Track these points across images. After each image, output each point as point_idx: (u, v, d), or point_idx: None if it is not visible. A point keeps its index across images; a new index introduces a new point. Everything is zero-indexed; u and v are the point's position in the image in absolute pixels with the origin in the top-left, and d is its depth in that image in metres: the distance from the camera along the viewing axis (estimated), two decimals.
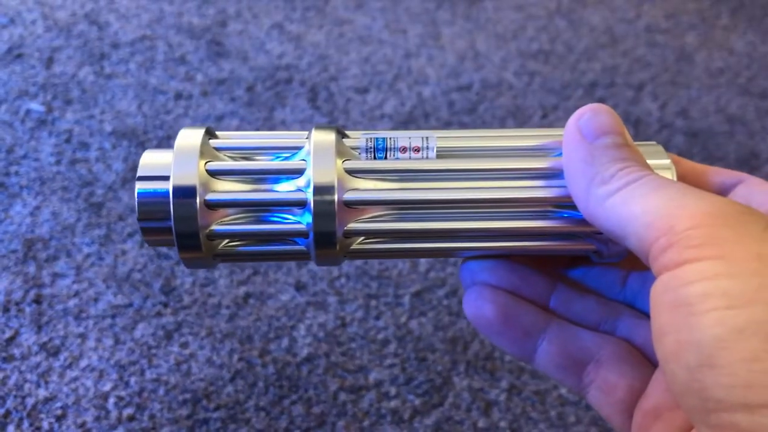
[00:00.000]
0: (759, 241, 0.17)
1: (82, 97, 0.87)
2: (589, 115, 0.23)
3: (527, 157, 0.27)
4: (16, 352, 0.65)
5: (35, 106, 0.85)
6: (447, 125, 0.92)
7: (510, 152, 0.27)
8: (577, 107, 0.96)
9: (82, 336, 0.67)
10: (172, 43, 0.96)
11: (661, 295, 0.18)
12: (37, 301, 0.69)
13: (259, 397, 0.64)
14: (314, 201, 0.26)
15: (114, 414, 0.62)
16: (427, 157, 0.27)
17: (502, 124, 0.92)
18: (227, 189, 0.27)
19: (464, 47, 1.04)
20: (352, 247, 0.27)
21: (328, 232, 0.26)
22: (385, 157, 0.27)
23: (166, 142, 0.84)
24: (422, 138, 0.27)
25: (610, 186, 0.21)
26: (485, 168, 0.26)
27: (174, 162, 0.27)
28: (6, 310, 0.68)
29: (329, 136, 0.27)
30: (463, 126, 0.92)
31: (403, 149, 0.27)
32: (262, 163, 0.28)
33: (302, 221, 0.27)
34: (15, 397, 0.63)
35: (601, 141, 0.23)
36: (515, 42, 1.06)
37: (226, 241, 0.28)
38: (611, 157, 0.22)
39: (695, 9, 1.16)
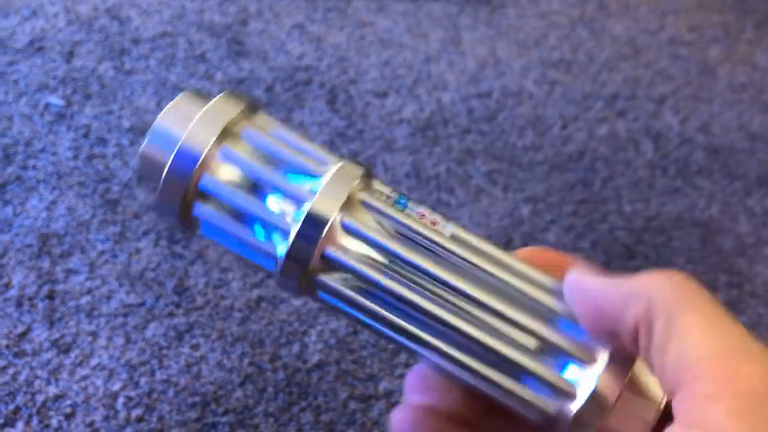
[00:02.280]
0: None
1: (102, 92, 0.87)
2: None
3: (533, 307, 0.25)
4: (28, 347, 0.65)
5: (55, 99, 0.85)
6: (465, 132, 0.91)
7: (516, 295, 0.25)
8: (597, 119, 0.95)
9: (94, 334, 0.67)
10: (192, 40, 0.96)
11: None
12: (50, 296, 0.69)
13: (268, 402, 0.64)
14: (292, 242, 0.25)
15: (123, 414, 0.62)
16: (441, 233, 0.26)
17: (521, 135, 0.92)
18: (225, 179, 0.25)
19: (485, 54, 1.03)
20: (320, 283, 0.26)
21: (295, 274, 0.25)
22: (403, 210, 0.26)
23: None
24: (442, 216, 0.26)
25: None
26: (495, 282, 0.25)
27: (192, 123, 0.25)
28: (19, 304, 0.68)
29: (350, 177, 0.25)
30: (482, 134, 0.91)
31: (422, 215, 0.26)
32: (271, 174, 0.26)
33: (276, 246, 0.25)
34: (25, 393, 0.63)
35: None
36: (537, 50, 1.05)
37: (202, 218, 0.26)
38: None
39: (720, 22, 1.15)
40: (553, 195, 0.86)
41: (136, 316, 0.69)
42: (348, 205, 0.25)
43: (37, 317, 0.67)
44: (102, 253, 0.73)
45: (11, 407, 0.62)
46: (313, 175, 0.26)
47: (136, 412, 0.62)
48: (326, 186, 0.25)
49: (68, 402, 0.63)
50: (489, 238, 0.83)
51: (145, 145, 0.26)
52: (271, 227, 0.25)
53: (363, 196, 0.26)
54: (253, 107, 0.27)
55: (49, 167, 0.79)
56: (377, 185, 0.27)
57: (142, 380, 0.65)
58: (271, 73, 0.94)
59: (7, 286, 0.69)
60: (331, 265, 0.25)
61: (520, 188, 0.86)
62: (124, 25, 0.96)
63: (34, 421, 0.61)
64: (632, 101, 0.99)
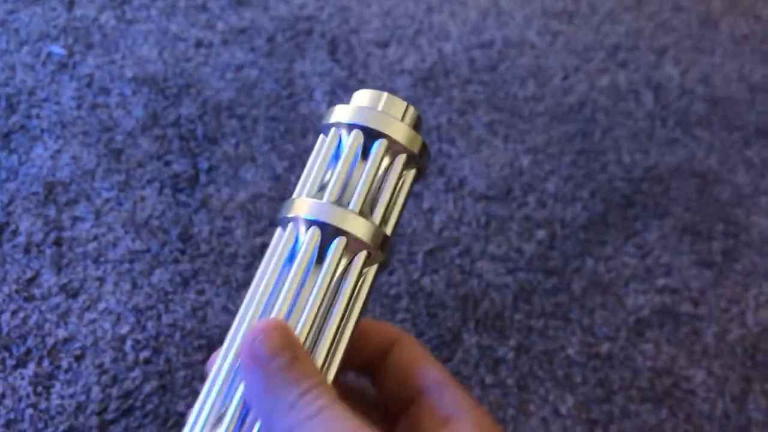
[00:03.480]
0: None
1: (104, 41, 0.87)
2: (259, 336, 0.23)
3: None
4: (37, 292, 0.67)
5: (57, 48, 0.85)
6: (467, 83, 0.91)
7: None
8: (598, 70, 0.95)
9: (101, 279, 0.68)
10: None
11: None
12: (58, 243, 0.70)
13: None
14: None
15: (131, 356, 0.64)
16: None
17: (522, 85, 0.92)
18: None
19: (487, 4, 1.03)
20: None
21: None
22: None
23: (185, 90, 0.84)
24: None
25: (290, 419, 0.22)
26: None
27: None
28: (27, 251, 0.69)
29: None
30: (483, 85, 0.91)
31: None
32: None
33: None
34: (35, 336, 0.64)
35: (275, 363, 0.23)
36: (539, 0, 1.04)
37: None
38: (288, 380, 0.23)
39: None
40: (553, 145, 0.86)
41: (142, 262, 0.70)
42: None
43: (45, 263, 0.68)
44: (107, 201, 0.73)
45: (23, 349, 0.63)
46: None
47: (144, 354, 0.64)
48: None
49: (77, 344, 0.64)
50: (489, 188, 0.84)
51: None
52: None
53: None
54: None
55: (52, 116, 0.79)
56: None
57: (149, 324, 0.66)
58: (272, 23, 0.94)
59: (15, 233, 0.70)
60: None
61: (521, 139, 0.86)
62: None
63: (45, 362, 0.63)
64: (633, 52, 0.99)
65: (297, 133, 0.82)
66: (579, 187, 0.82)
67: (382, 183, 0.27)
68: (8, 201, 0.72)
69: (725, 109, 0.94)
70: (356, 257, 0.26)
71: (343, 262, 0.26)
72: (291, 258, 0.26)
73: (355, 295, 0.26)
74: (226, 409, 0.25)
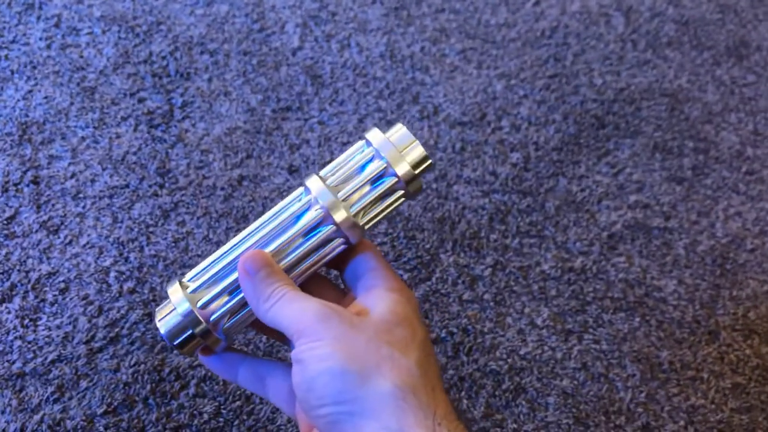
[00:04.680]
0: (333, 328, 0.33)
1: None
2: (250, 259, 0.36)
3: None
4: (17, 229, 0.67)
5: None
6: (439, 12, 0.91)
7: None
8: None
9: (81, 215, 0.69)
10: None
11: (293, 360, 0.34)
12: (35, 182, 0.70)
13: None
14: None
15: (115, 287, 0.65)
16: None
17: (494, 12, 0.92)
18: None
19: None
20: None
21: None
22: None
23: (156, 27, 0.83)
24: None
25: (268, 303, 0.35)
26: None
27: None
28: (5, 190, 0.69)
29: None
30: (455, 13, 0.91)
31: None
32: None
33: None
34: (18, 271, 0.65)
35: (259, 275, 0.36)
36: None
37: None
38: (266, 283, 0.36)
39: None
40: (526, 70, 0.87)
41: (121, 197, 0.70)
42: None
43: (24, 201, 0.69)
44: (83, 138, 0.74)
45: (6, 284, 0.64)
46: None
47: (128, 285, 0.65)
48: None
49: (61, 278, 0.65)
50: (464, 114, 0.84)
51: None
52: None
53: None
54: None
55: (22, 57, 0.79)
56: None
57: (132, 256, 0.67)
58: None
59: None
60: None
61: (494, 65, 0.87)
62: None
63: (30, 296, 0.64)
64: None
65: (270, 66, 0.82)
66: (552, 110, 0.83)
67: (380, 200, 0.38)
68: None
69: (695, 29, 0.95)
70: (337, 240, 0.38)
71: (327, 240, 0.38)
72: (297, 218, 0.38)
73: (322, 257, 0.38)
74: (224, 279, 0.38)
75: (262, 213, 0.71)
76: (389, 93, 0.82)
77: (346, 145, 0.77)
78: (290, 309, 0.35)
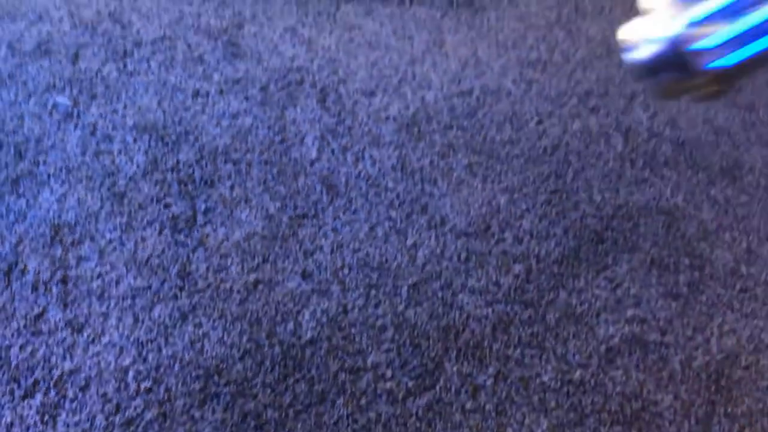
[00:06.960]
0: None
1: (106, 92, 0.93)
2: None
3: None
4: (44, 327, 0.71)
5: (62, 99, 0.90)
6: (448, 128, 0.97)
7: None
8: (571, 115, 1.02)
9: (105, 315, 0.73)
10: (190, 43, 1.02)
11: None
12: (64, 281, 0.75)
13: (265, 374, 0.70)
14: None
15: (133, 386, 0.68)
16: None
17: (499, 130, 0.98)
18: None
19: (467, 54, 1.09)
20: None
21: None
22: None
23: (184, 137, 0.90)
24: None
25: None
26: None
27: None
28: (35, 288, 0.74)
29: None
30: (463, 130, 0.98)
31: None
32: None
33: None
34: (42, 368, 0.69)
35: None
36: (515, 50, 1.11)
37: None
38: None
39: None
40: (528, 186, 0.92)
41: (143, 298, 0.75)
42: None
43: (52, 300, 0.73)
44: (110, 241, 0.78)
45: (30, 381, 0.68)
46: None
47: (145, 384, 0.68)
48: None
49: (82, 375, 0.68)
50: (469, 225, 0.89)
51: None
52: None
53: None
54: None
55: (58, 162, 0.85)
56: None
57: (150, 356, 0.70)
58: (265, 74, 1.00)
59: (23, 271, 0.75)
60: None
61: (498, 179, 0.92)
62: (126, 29, 1.02)
63: (52, 392, 0.67)
64: (604, 98, 1.06)
65: (289, 176, 0.88)
66: (553, 224, 0.88)
67: None
68: (17, 242, 0.77)
69: (691, 150, 1.00)
70: None
71: None
72: None
73: None
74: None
75: (275, 316, 0.75)
76: (399, 203, 0.87)
77: (357, 252, 0.82)
78: None
